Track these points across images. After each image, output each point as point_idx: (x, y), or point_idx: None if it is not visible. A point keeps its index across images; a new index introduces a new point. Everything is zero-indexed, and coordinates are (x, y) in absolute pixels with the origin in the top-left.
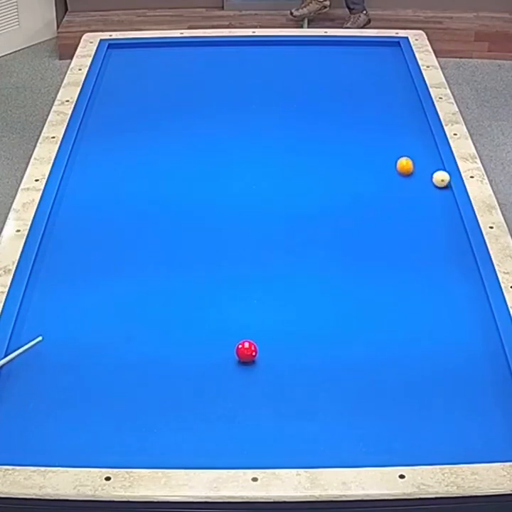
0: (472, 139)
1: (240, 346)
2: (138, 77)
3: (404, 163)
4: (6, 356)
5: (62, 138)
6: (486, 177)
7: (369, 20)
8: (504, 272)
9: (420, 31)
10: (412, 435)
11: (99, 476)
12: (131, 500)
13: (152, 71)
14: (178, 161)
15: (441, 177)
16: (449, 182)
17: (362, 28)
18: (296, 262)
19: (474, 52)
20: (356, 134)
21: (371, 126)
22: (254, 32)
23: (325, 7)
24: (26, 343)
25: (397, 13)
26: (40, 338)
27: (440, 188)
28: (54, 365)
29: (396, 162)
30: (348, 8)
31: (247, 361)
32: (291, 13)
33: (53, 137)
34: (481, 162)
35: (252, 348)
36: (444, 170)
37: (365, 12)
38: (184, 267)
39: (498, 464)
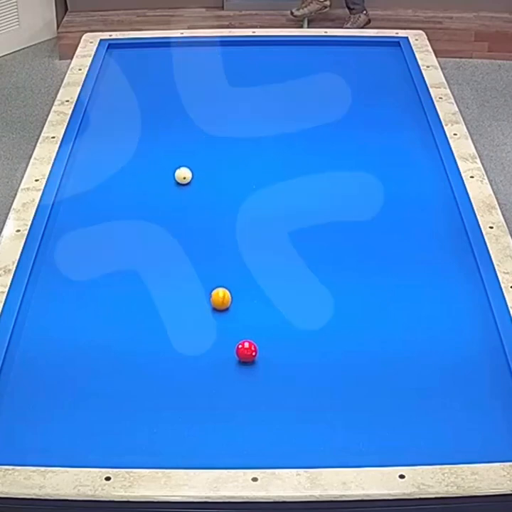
0: (472, 139)
1: (240, 346)
2: (138, 77)
3: (222, 294)
4: None
5: (62, 138)
6: (486, 177)
7: (369, 21)
8: (504, 272)
9: (420, 31)
10: (412, 435)
11: (99, 476)
12: (131, 500)
13: (152, 71)
14: (178, 160)
15: (183, 175)
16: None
17: (362, 28)
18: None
19: (474, 52)
20: (356, 134)
21: (371, 126)
22: (254, 32)
23: (325, 7)
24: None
25: (397, 13)
26: None
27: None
28: (54, 365)
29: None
30: (348, 8)
31: (247, 361)
32: (292, 13)
33: (53, 137)
34: (481, 162)
35: (252, 348)
36: (444, 170)
37: (365, 12)
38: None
39: (498, 463)
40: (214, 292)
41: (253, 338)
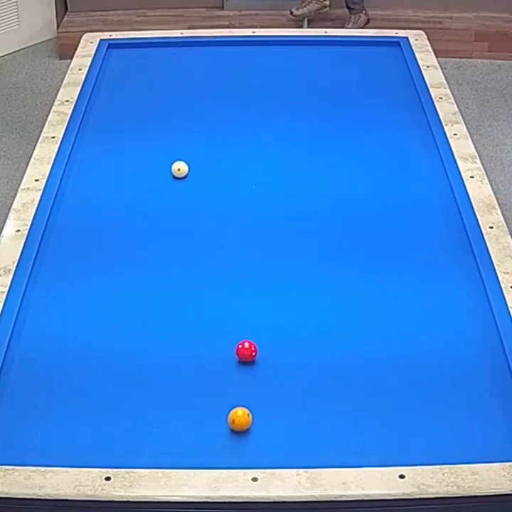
0: (472, 139)
1: (240, 346)
2: (138, 77)
3: (241, 413)
4: None
5: (62, 138)
6: (486, 177)
7: (368, 20)
8: (504, 272)
9: (420, 31)
10: (412, 435)
11: (99, 476)
12: (131, 500)
13: (152, 71)
14: (179, 160)
15: (177, 167)
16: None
17: (362, 28)
18: (296, 260)
19: (474, 52)
20: (356, 134)
21: (371, 126)
22: (254, 32)
23: (325, 7)
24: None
25: (397, 13)
26: None
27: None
28: (54, 365)
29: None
30: (348, 7)
31: (247, 361)
32: (291, 13)
33: (53, 137)
34: (481, 162)
35: (252, 348)
36: (444, 170)
37: (364, 12)
38: (184, 267)
39: (498, 463)
40: (232, 413)
41: (253, 338)
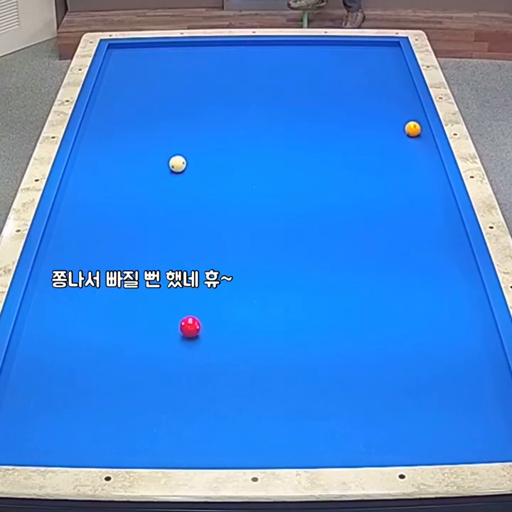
0: (472, 139)
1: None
2: (138, 77)
3: (413, 126)
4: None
5: (62, 138)
6: (486, 177)
7: (364, 17)
8: (504, 272)
9: (420, 31)
10: (412, 435)
11: (99, 476)
12: (131, 500)
13: (152, 71)
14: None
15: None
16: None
17: (359, 25)
18: (296, 260)
19: (474, 52)
20: (356, 134)
21: (371, 126)
22: (254, 32)
23: (323, 1)
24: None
25: (397, 13)
26: None
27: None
28: (54, 365)
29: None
30: (345, 5)
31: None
32: (289, 5)
33: (53, 137)
34: (481, 162)
35: (196, 326)
36: (444, 170)
37: (360, 10)
38: (183, 267)
39: (498, 463)
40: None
41: (254, 338)
